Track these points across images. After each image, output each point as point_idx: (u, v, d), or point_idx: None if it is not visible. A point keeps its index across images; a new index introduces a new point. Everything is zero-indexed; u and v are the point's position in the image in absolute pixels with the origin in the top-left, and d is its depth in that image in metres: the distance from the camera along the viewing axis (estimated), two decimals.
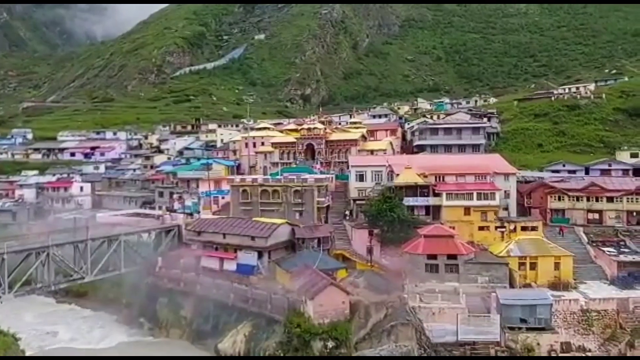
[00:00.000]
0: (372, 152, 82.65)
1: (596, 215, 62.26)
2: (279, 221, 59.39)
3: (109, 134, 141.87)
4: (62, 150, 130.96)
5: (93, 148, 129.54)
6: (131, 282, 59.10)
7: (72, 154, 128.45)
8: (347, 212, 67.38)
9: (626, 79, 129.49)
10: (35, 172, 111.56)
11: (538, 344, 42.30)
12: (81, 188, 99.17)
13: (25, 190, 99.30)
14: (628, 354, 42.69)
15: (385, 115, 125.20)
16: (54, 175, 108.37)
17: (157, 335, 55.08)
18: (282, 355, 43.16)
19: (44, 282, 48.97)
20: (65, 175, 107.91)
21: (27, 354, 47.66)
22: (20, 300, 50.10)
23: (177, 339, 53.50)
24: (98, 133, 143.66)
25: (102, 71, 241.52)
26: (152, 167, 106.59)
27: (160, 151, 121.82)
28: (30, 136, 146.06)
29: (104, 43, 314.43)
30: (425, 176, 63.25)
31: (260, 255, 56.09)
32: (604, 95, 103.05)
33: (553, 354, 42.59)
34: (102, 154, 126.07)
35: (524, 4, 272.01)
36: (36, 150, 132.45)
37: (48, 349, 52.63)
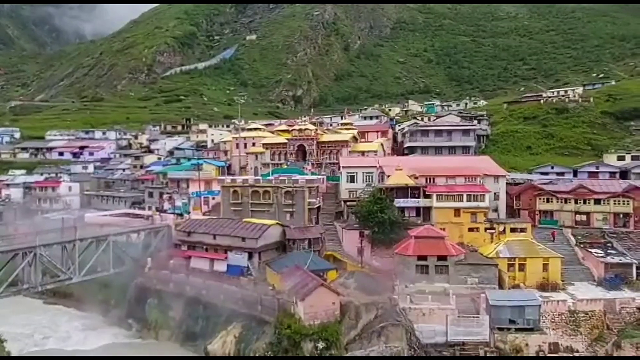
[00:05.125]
0: (363, 153, 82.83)
1: (584, 217, 62.93)
2: (269, 222, 59.30)
3: (98, 134, 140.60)
4: (50, 149, 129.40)
5: (82, 147, 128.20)
6: (120, 283, 58.56)
7: (61, 154, 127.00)
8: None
9: (613, 82, 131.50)
10: (23, 171, 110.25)
11: (526, 344, 42.71)
12: (69, 188, 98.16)
13: (12, 189, 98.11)
14: (615, 355, 43.18)
15: (376, 117, 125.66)
16: (41, 174, 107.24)
17: (146, 337, 54.65)
18: (272, 356, 43.09)
19: (30, 282, 48.22)
20: (53, 175, 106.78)
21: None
22: (6, 302, 49.33)
23: (166, 341, 53.13)
24: (87, 132, 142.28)
25: (92, 70, 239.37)
26: (141, 167, 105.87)
27: (150, 151, 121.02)
28: (17, 135, 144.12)
29: (94, 42, 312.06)
30: (416, 178, 63.56)
31: (250, 256, 55.94)
32: (591, 99, 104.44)
33: (541, 355, 43.03)
34: (91, 154, 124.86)
35: (512, 4, 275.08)
36: (24, 149, 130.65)
37: (35, 350, 51.96)
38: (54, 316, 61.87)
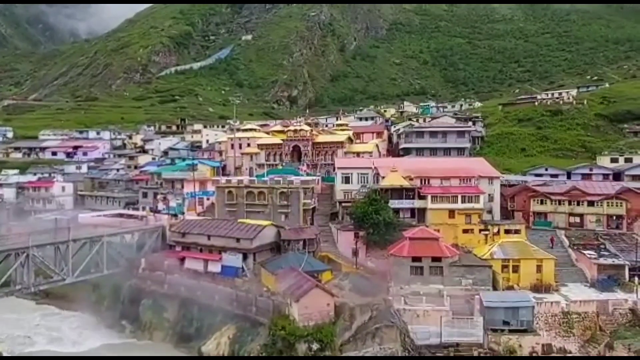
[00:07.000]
0: (358, 154, 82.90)
1: (577, 219, 63.27)
2: (264, 223, 59.16)
3: (92, 134, 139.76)
4: (43, 149, 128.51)
5: (75, 147, 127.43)
6: (113, 284, 58.22)
7: (54, 153, 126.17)
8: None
9: (607, 85, 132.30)
10: (16, 171, 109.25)
11: (520, 345, 42.90)
12: (63, 188, 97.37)
13: (5, 189, 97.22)
14: (607, 356, 43.41)
15: (372, 118, 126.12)
16: (35, 174, 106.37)
17: (140, 338, 54.30)
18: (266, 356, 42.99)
19: (23, 283, 47.84)
20: (46, 175, 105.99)
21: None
22: None
23: (160, 342, 52.79)
24: (81, 132, 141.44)
25: (86, 69, 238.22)
26: (136, 167, 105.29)
27: (144, 151, 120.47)
28: (10, 134, 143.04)
29: (88, 41, 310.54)
30: (411, 179, 63.64)
31: (245, 257, 55.74)
32: (585, 101, 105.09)
33: (534, 356, 43.19)
34: (85, 154, 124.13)
35: (508, 4, 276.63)
36: (17, 149, 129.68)
37: (28, 351, 51.57)
38: (46, 317, 61.35)
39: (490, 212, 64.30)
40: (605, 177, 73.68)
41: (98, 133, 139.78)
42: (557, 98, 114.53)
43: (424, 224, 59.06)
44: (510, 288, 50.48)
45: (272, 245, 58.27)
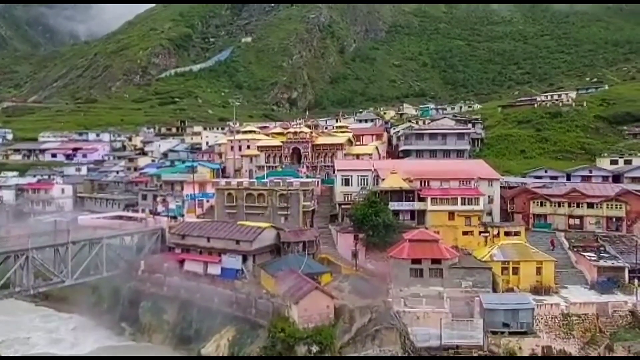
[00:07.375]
0: (357, 156, 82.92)
1: (577, 221, 63.29)
2: (264, 225, 59.15)
3: (91, 135, 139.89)
4: (43, 151, 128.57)
5: (75, 149, 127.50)
6: (113, 286, 58.18)
7: (54, 155, 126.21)
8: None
9: (606, 87, 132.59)
10: (15, 173, 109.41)
11: (520, 347, 42.84)
12: (62, 190, 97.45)
13: (4, 191, 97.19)
14: (607, 356, 43.35)
15: (371, 120, 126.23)
16: (34, 176, 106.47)
17: (139, 340, 54.28)
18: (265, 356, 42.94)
19: (22, 285, 47.81)
20: (46, 177, 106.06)
21: None
22: None
23: (159, 344, 52.78)
24: (80, 134, 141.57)
25: (86, 71, 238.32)
26: (135, 169, 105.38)
27: (144, 153, 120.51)
28: (10, 136, 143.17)
29: (88, 43, 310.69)
30: (411, 181, 63.68)
31: (244, 259, 55.74)
32: (585, 103, 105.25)
33: (534, 356, 43.13)
34: (85, 156, 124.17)
35: (507, 3, 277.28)
36: (16, 151, 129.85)
37: (27, 353, 51.49)
38: (45, 319, 61.32)
39: (490, 214, 64.29)
40: (605, 179, 73.75)
41: (98, 135, 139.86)
42: (557, 100, 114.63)
43: (423, 226, 59.06)
44: (510, 290, 50.47)
45: (271, 248, 58.24)
